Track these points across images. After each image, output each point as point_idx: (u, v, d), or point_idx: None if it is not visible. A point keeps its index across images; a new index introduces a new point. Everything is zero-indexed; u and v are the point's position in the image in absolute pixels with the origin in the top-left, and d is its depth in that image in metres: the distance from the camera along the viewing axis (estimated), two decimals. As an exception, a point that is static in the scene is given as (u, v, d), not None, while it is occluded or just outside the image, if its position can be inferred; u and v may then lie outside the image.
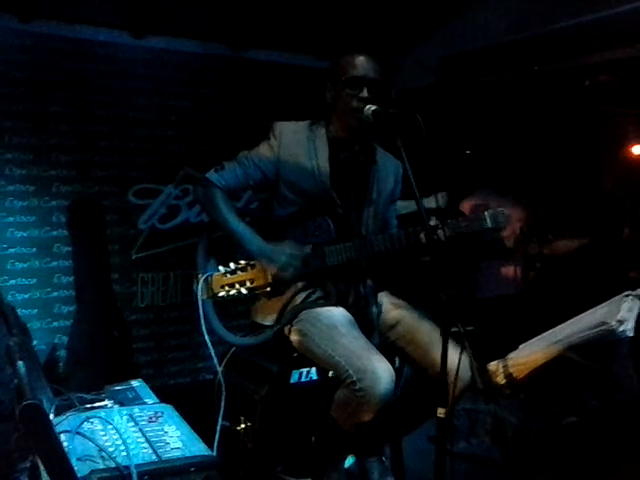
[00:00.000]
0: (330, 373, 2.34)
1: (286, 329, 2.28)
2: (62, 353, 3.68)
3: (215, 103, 4.11)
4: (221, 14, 3.73)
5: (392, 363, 2.10)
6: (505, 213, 2.34)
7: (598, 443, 2.83)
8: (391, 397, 2.04)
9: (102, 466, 1.52)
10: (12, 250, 3.52)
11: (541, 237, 3.97)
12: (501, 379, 2.86)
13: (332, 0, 3.72)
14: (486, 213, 2.32)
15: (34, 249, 3.58)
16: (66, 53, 3.60)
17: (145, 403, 1.98)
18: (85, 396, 1.96)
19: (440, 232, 2.19)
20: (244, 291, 2.21)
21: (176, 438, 1.69)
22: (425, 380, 2.27)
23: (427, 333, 2.29)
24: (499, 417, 3.11)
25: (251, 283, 2.22)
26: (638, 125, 4.37)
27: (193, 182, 3.05)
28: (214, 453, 1.76)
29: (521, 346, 2.98)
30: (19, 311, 3.36)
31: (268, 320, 2.31)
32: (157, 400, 2.03)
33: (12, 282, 3.52)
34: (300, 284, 2.26)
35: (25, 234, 3.55)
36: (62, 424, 1.72)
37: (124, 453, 1.57)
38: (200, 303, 2.20)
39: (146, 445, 1.64)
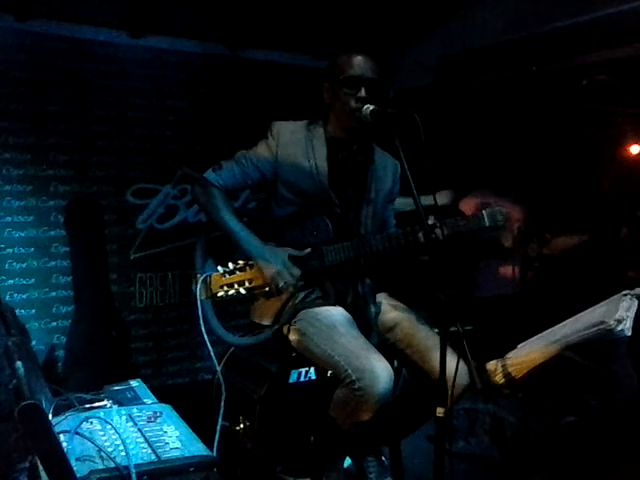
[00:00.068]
0: (329, 373, 2.34)
1: (285, 329, 2.28)
2: (61, 353, 3.68)
3: (213, 103, 4.11)
4: (219, 14, 3.73)
5: (391, 363, 2.10)
6: (503, 212, 2.35)
7: (597, 442, 2.83)
8: (390, 397, 2.04)
9: (101, 466, 1.52)
10: (10, 250, 3.51)
11: (540, 237, 3.98)
12: (500, 378, 2.86)
13: (331, 0, 3.72)
14: (484, 212, 2.33)
15: (32, 249, 3.58)
16: (64, 53, 3.60)
17: (144, 403, 1.99)
18: (84, 396, 1.96)
19: (438, 231, 2.19)
20: (243, 291, 2.21)
21: (175, 438, 1.69)
22: (423, 381, 2.27)
23: (425, 336, 2.29)
24: (498, 417, 3.11)
25: (250, 283, 2.22)
26: (636, 125, 4.37)
27: (191, 182, 3.05)
28: (214, 453, 1.76)
29: (520, 345, 2.98)
30: (17, 311, 3.37)
31: (267, 320, 2.31)
32: (156, 400, 2.03)
33: (10, 282, 3.51)
34: (299, 284, 2.26)
35: (23, 234, 3.55)
36: (61, 424, 1.72)
37: (123, 453, 1.57)
38: (199, 303, 2.19)
39: (145, 445, 1.64)
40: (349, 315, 2.27)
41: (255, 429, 2.35)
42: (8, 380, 1.60)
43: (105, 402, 1.94)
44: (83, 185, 3.72)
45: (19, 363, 1.52)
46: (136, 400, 2.02)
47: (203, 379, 4.03)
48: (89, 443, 1.62)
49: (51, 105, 3.59)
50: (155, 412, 1.85)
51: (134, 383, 2.19)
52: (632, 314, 2.71)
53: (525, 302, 3.87)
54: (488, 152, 4.26)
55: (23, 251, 3.55)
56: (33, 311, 3.59)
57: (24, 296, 3.56)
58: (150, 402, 2.00)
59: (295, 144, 2.30)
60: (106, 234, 3.81)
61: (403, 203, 2.64)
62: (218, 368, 2.22)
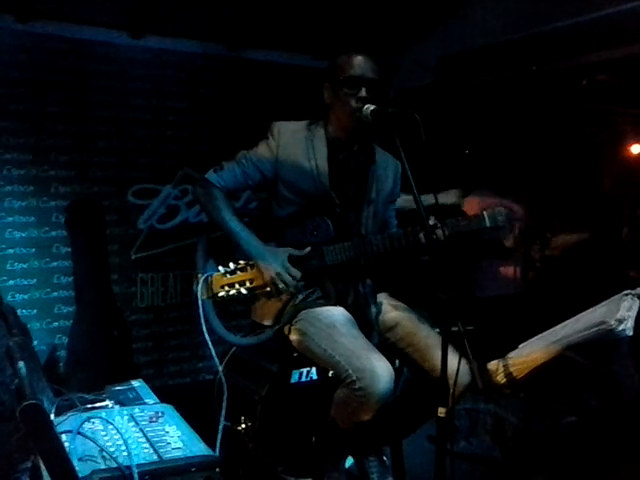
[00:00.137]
0: (330, 373, 2.34)
1: (286, 329, 2.28)
2: (62, 353, 3.68)
3: (213, 103, 4.11)
4: (219, 14, 3.74)
5: (392, 363, 2.10)
6: (504, 213, 2.34)
7: (598, 443, 2.83)
8: (390, 397, 2.04)
9: (103, 466, 1.52)
10: (11, 251, 3.52)
11: (542, 239, 3.98)
12: (501, 378, 2.86)
13: (330, 0, 3.73)
14: (485, 213, 2.33)
15: (33, 249, 3.59)
16: (65, 53, 3.61)
17: (146, 403, 1.99)
18: (86, 396, 1.96)
19: (439, 231, 2.19)
20: (244, 291, 2.21)
21: (177, 438, 1.69)
22: (425, 381, 2.27)
23: (426, 336, 2.29)
24: (499, 417, 3.11)
25: (251, 283, 2.22)
26: (636, 124, 4.37)
27: (192, 182, 3.05)
28: (216, 453, 1.76)
29: (521, 345, 2.98)
30: (19, 312, 3.37)
31: (268, 320, 2.31)
32: (157, 400, 2.03)
33: (12, 283, 3.52)
34: (299, 285, 2.26)
35: (24, 234, 3.56)
36: (63, 424, 1.72)
37: (125, 453, 1.57)
38: (200, 303, 2.19)
39: (147, 445, 1.64)
40: (350, 315, 2.27)
41: (256, 429, 2.35)
42: (10, 380, 1.60)
43: (107, 402, 1.95)
44: (84, 185, 3.72)
45: (21, 363, 1.52)
46: (138, 400, 2.02)
47: (204, 379, 4.04)
48: (91, 443, 1.62)
49: (52, 106, 3.60)
50: (157, 412, 1.86)
51: (136, 383, 2.19)
52: (633, 314, 2.70)
53: (526, 302, 3.87)
54: (488, 152, 4.25)
55: (24, 251, 3.55)
56: (35, 311, 3.60)
57: (26, 296, 3.56)
58: (152, 402, 2.00)
59: (296, 144, 2.30)
60: (107, 234, 3.82)
61: (405, 201, 2.64)
62: (219, 368, 2.22)
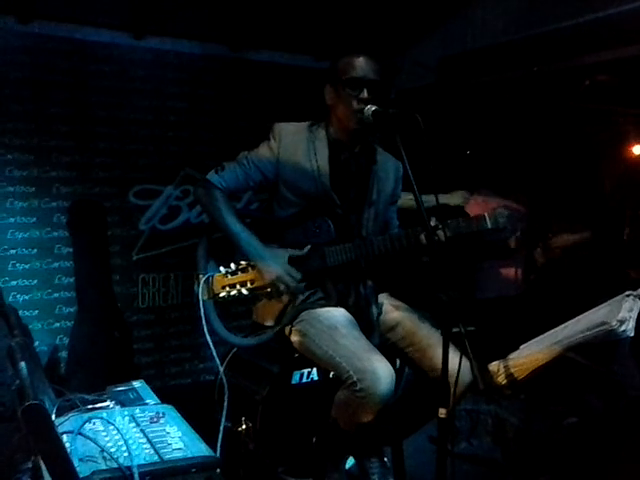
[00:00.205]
0: (331, 374, 2.34)
1: (287, 330, 2.29)
2: (63, 354, 3.68)
3: (214, 104, 4.11)
4: (220, 15, 3.74)
5: (393, 364, 2.10)
6: (505, 214, 2.34)
7: (599, 443, 2.83)
8: (391, 398, 2.04)
9: (104, 467, 1.52)
10: (13, 251, 3.52)
11: (544, 241, 3.98)
12: (502, 379, 2.86)
13: (331, 0, 3.73)
14: (486, 214, 2.33)
15: (35, 250, 3.59)
16: (66, 54, 3.61)
17: (146, 404, 1.98)
18: (87, 397, 1.96)
19: (440, 233, 2.20)
20: (245, 292, 2.22)
21: (178, 439, 1.69)
22: (426, 381, 2.27)
23: (427, 335, 2.29)
24: (500, 418, 3.11)
25: (252, 284, 2.22)
26: (637, 124, 4.37)
27: (193, 183, 3.05)
28: (217, 454, 1.76)
29: (522, 346, 2.98)
30: (20, 312, 3.37)
31: (269, 321, 2.32)
32: (158, 401, 2.03)
33: (13, 283, 3.52)
34: (299, 286, 2.26)
35: (26, 235, 3.56)
36: (64, 425, 1.72)
37: (126, 454, 1.57)
38: (201, 304, 2.20)
39: (148, 446, 1.64)
40: (351, 316, 2.27)
41: (257, 430, 2.35)
42: (11, 381, 1.60)
43: (108, 403, 1.94)
44: (85, 186, 3.72)
45: (22, 364, 1.52)
46: (139, 401, 2.02)
47: (205, 380, 4.03)
48: (92, 444, 1.62)
49: (53, 106, 3.60)
50: (158, 413, 1.85)
51: (137, 384, 2.18)
52: (635, 315, 2.70)
53: (527, 303, 3.87)
54: (489, 153, 4.25)
55: (26, 252, 3.55)
56: (36, 312, 3.59)
57: (27, 297, 3.56)
58: (153, 403, 2.00)
59: (297, 145, 2.30)
60: (109, 235, 3.82)
61: (407, 199, 2.63)
62: (220, 369, 2.23)
